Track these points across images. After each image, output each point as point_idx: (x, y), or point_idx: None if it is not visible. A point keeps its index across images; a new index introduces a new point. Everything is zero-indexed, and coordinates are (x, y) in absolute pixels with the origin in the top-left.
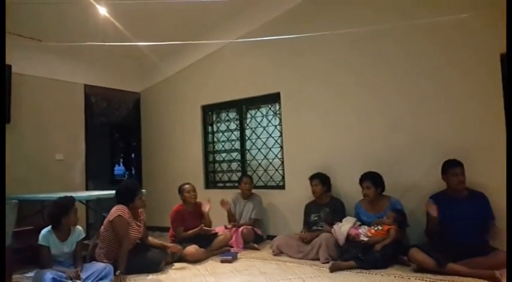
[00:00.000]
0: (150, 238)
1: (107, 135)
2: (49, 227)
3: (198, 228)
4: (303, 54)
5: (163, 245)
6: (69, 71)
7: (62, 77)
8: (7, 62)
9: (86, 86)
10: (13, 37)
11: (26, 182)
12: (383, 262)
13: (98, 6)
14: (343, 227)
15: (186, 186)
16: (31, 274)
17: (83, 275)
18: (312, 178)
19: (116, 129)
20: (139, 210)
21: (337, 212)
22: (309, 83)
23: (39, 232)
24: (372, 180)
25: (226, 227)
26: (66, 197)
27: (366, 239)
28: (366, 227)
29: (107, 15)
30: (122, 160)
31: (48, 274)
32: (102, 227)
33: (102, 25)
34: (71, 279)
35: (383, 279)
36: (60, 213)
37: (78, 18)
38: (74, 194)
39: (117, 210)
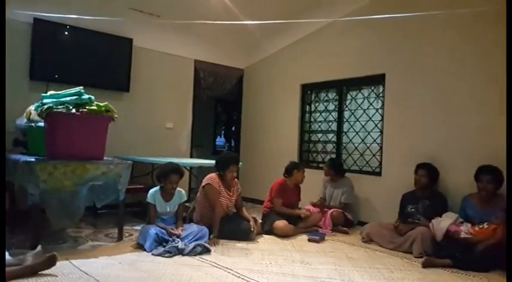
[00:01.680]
0: (243, 210)
1: (211, 108)
2: (157, 187)
3: (298, 213)
4: (413, 36)
5: (252, 224)
6: (182, 46)
7: (175, 52)
8: (129, 36)
9: (195, 61)
10: (135, 13)
11: (138, 145)
12: (484, 264)
13: None
14: (443, 223)
15: (302, 167)
16: (138, 227)
17: (182, 234)
18: (419, 167)
19: (219, 103)
20: (234, 180)
21: (438, 206)
22: (418, 67)
23: (148, 191)
24: (492, 175)
25: (313, 205)
26: (169, 164)
27: (467, 236)
28: (468, 224)
29: None
30: (223, 132)
31: (153, 229)
32: (198, 192)
33: (214, 3)
34: (171, 236)
35: (480, 279)
36: (162, 176)
37: None
38: (179, 161)
39: (208, 178)
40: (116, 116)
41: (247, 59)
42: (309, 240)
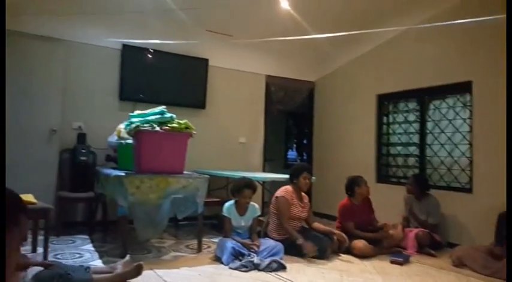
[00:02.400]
0: (316, 223)
1: (283, 122)
2: (232, 201)
3: (374, 235)
4: (501, 38)
5: (330, 230)
6: (253, 63)
7: (247, 68)
8: (205, 56)
9: (267, 76)
10: (210, 34)
11: (213, 160)
12: None
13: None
14: None
15: (363, 179)
16: (216, 239)
17: (259, 248)
18: None
19: (290, 116)
20: (303, 194)
21: None
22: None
23: (223, 204)
24: None
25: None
26: (243, 178)
27: None
28: None
29: (288, 7)
30: (295, 145)
31: (230, 243)
32: (271, 205)
33: (283, 18)
34: (248, 250)
35: None
36: (235, 191)
37: (262, 14)
38: (252, 175)
39: (281, 190)
40: (194, 132)
41: (318, 72)
42: (392, 262)
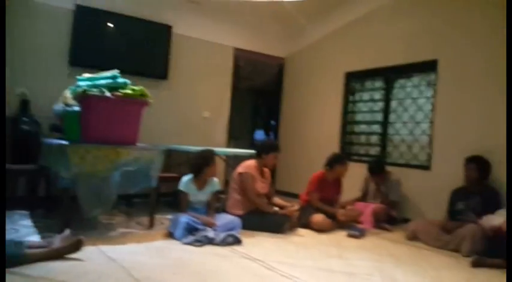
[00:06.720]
0: (276, 198)
1: (251, 100)
2: (190, 175)
3: (334, 211)
4: (471, 17)
5: (287, 210)
6: (221, 34)
7: (214, 39)
8: (168, 22)
9: (235, 49)
10: None
11: (174, 134)
12: None
13: None
14: (495, 221)
15: (346, 161)
16: (171, 216)
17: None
18: (468, 161)
19: (259, 95)
20: (265, 169)
21: (490, 202)
22: (476, 51)
23: None
24: None
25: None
26: (208, 150)
27: None
28: None
29: None
30: (262, 124)
31: (184, 218)
32: (232, 180)
33: None
34: (202, 225)
35: None
36: (201, 163)
37: None
38: (215, 149)
39: (244, 165)
40: (150, 100)
41: (289, 47)
42: (348, 235)
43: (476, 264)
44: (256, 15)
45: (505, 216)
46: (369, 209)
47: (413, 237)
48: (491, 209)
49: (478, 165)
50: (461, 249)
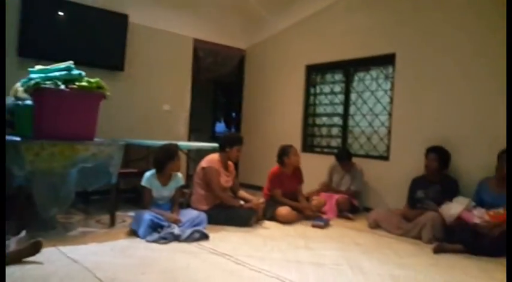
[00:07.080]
0: (241, 191)
1: (211, 91)
2: (153, 171)
3: (297, 205)
4: (426, 12)
5: (253, 203)
6: (180, 24)
7: (173, 29)
8: (125, 11)
9: (194, 39)
10: None
11: (133, 128)
12: (497, 249)
13: None
14: (455, 208)
15: (293, 149)
16: (132, 213)
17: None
18: (429, 151)
19: (219, 86)
20: (229, 162)
21: (449, 191)
22: (431, 45)
23: (142, 175)
24: None
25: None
26: (171, 144)
27: (479, 221)
28: (482, 209)
29: None
30: (222, 116)
31: (147, 215)
32: (196, 175)
33: None
34: (167, 222)
35: (494, 264)
36: (165, 158)
37: None
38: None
39: (208, 160)
40: (108, 93)
41: (249, 39)
42: (313, 225)
43: (437, 250)
44: (217, 5)
45: (464, 204)
46: (332, 199)
47: (375, 226)
48: (450, 197)
49: (438, 155)
50: (422, 237)
